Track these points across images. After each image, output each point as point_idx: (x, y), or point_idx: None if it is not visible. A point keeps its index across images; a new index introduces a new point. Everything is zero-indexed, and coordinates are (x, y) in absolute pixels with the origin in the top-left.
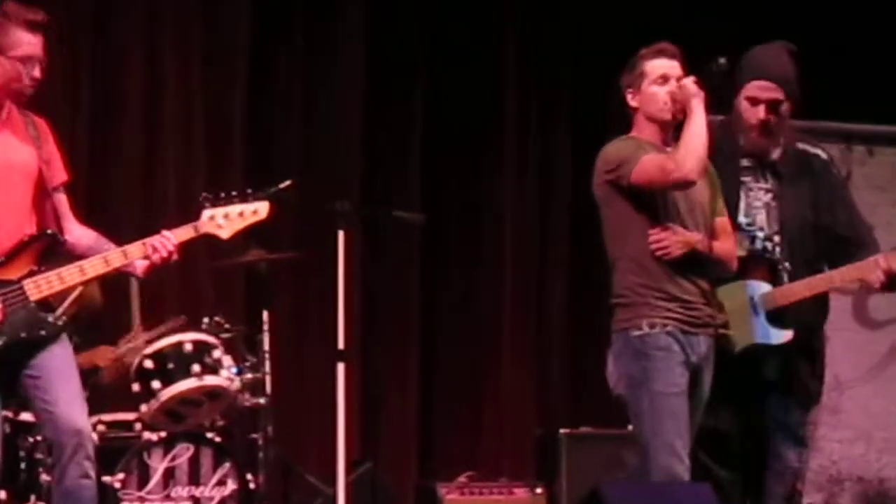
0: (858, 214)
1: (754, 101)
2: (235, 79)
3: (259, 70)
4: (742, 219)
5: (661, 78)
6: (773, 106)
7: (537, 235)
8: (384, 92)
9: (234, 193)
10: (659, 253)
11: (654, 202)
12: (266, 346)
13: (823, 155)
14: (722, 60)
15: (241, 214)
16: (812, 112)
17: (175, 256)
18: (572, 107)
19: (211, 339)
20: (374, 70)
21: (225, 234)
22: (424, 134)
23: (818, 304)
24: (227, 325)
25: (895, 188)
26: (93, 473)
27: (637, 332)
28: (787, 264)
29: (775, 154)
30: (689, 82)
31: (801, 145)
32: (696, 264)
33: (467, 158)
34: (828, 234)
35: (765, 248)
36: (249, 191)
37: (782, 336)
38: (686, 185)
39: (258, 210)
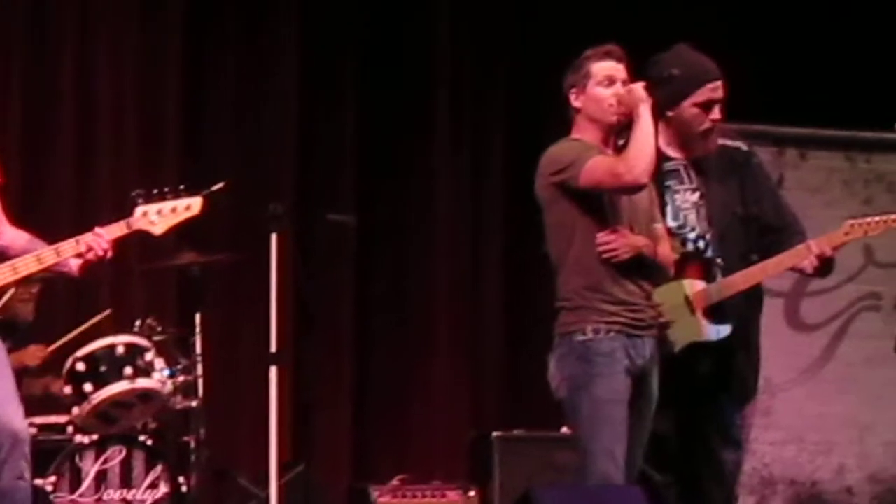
0: (784, 203)
1: (708, 104)
2: (169, 81)
3: (192, 72)
4: (671, 222)
5: (607, 80)
6: (722, 104)
7: (471, 238)
8: (317, 94)
9: (166, 190)
10: (606, 255)
11: (600, 205)
12: (198, 349)
13: (744, 147)
14: None
15: (173, 210)
16: (744, 115)
17: (110, 254)
18: (506, 107)
19: (143, 342)
20: (306, 72)
21: (158, 230)
22: (358, 136)
23: (752, 297)
24: (159, 328)
25: (828, 191)
26: (28, 475)
27: (582, 337)
28: (719, 261)
29: None
30: (638, 87)
31: (721, 140)
32: (639, 267)
33: (401, 161)
34: (757, 225)
35: (697, 248)
36: (182, 187)
37: (721, 332)
38: (636, 188)
39: (191, 206)
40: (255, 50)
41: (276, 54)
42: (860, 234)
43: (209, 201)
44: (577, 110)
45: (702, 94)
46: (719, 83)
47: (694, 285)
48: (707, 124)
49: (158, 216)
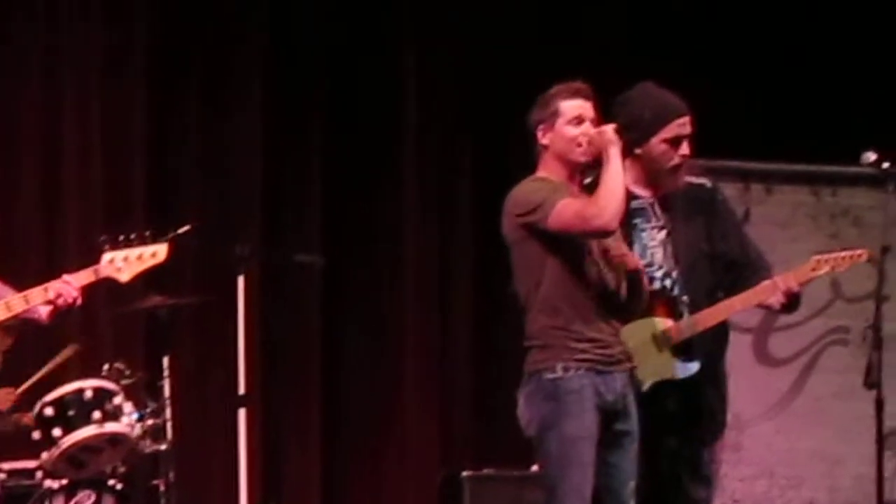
0: (749, 239)
1: (677, 140)
2: (135, 124)
3: (159, 115)
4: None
5: (576, 119)
6: (690, 140)
7: (439, 277)
8: (283, 136)
9: (132, 236)
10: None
11: (569, 245)
12: (167, 392)
13: (709, 184)
14: None
15: (139, 258)
16: (709, 150)
17: (79, 301)
18: (473, 146)
19: (111, 386)
20: (272, 114)
21: (124, 277)
22: (324, 177)
23: (719, 333)
24: (127, 372)
25: (794, 225)
26: None
27: (551, 375)
28: (685, 298)
29: None
30: (609, 129)
31: (686, 178)
32: (607, 303)
33: (368, 201)
34: (723, 262)
35: (664, 286)
36: (148, 233)
37: (689, 369)
38: (606, 234)
39: (157, 253)
40: (221, 91)
41: (241, 95)
42: (827, 269)
43: (175, 245)
44: (545, 147)
45: (670, 131)
46: (687, 119)
47: (661, 323)
48: (676, 160)
49: (125, 263)
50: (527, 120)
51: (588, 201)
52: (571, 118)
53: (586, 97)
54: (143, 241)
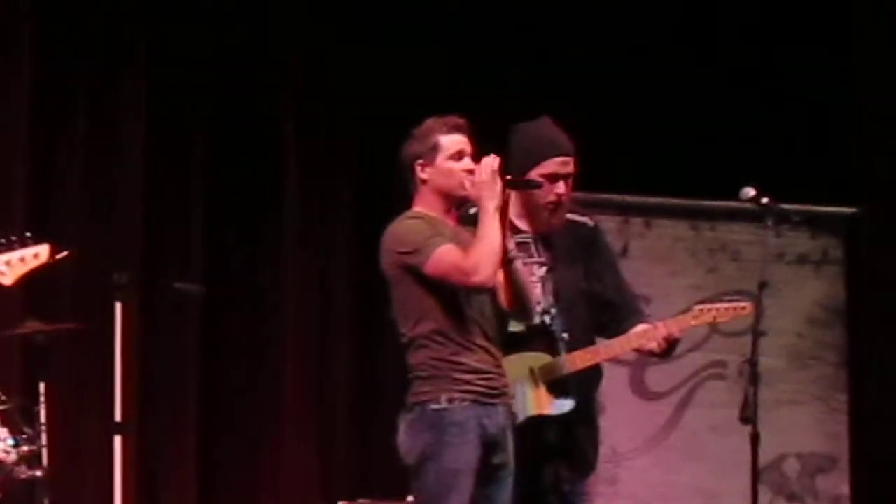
0: (625, 281)
1: (553, 178)
2: (14, 149)
3: (39, 141)
4: None
5: (457, 154)
6: (569, 180)
7: (319, 307)
8: (164, 163)
9: (14, 239)
10: None
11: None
12: (43, 418)
13: (590, 223)
14: None
15: (22, 260)
16: (589, 183)
17: None
18: (354, 178)
19: None
20: (154, 141)
21: (7, 280)
22: (206, 205)
23: (593, 372)
24: (3, 397)
25: (673, 260)
26: None
27: (435, 406)
28: (565, 335)
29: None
30: (483, 176)
31: (568, 215)
32: (490, 335)
33: (249, 230)
34: (599, 302)
35: (542, 322)
36: (28, 234)
37: (564, 406)
38: (481, 290)
39: (39, 254)
40: (103, 118)
41: (123, 123)
42: (709, 319)
43: (55, 270)
44: (423, 182)
45: (548, 167)
46: (569, 159)
47: (539, 358)
48: (552, 198)
49: (7, 266)
50: (402, 154)
51: (465, 256)
52: (452, 153)
53: (464, 132)
54: (23, 244)
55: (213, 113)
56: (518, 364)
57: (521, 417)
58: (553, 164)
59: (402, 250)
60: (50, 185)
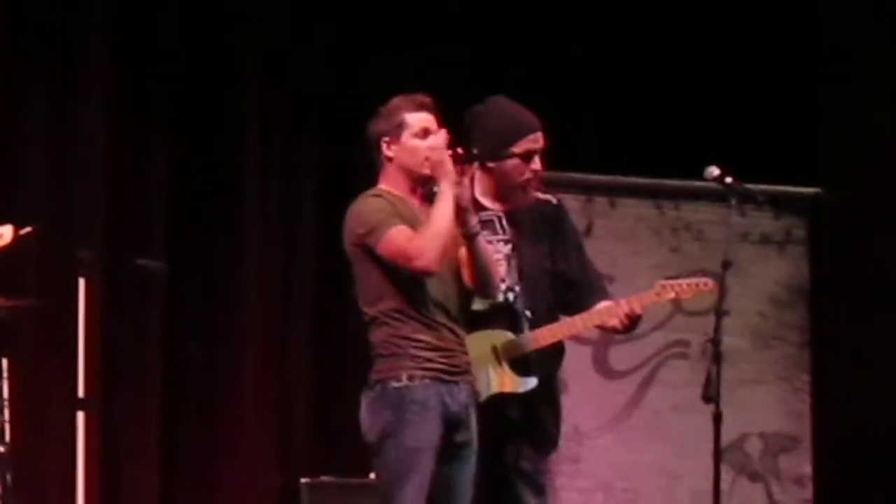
0: (589, 260)
1: (528, 156)
2: None
3: (1, 116)
4: None
5: (422, 131)
6: (541, 155)
7: (281, 285)
8: (127, 139)
9: None
10: None
11: None
12: (5, 394)
13: (554, 200)
14: None
15: None
16: (553, 163)
17: None
18: (317, 153)
19: None
20: (116, 117)
21: None
22: (168, 182)
23: (555, 350)
24: None
25: (636, 239)
26: None
27: (396, 384)
28: (528, 313)
29: None
30: (447, 162)
31: (534, 193)
32: (451, 313)
33: (211, 207)
34: (563, 281)
35: (506, 299)
36: None
37: (528, 384)
38: (426, 275)
39: (2, 234)
40: (64, 93)
41: (85, 99)
42: (671, 295)
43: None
44: (388, 160)
45: (522, 146)
46: (539, 134)
47: (502, 336)
48: (528, 175)
49: None
50: (368, 131)
51: (411, 239)
52: (418, 130)
53: (430, 110)
54: None
55: (176, 91)
56: (481, 342)
57: (483, 396)
58: (527, 143)
59: (360, 231)
60: (11, 163)
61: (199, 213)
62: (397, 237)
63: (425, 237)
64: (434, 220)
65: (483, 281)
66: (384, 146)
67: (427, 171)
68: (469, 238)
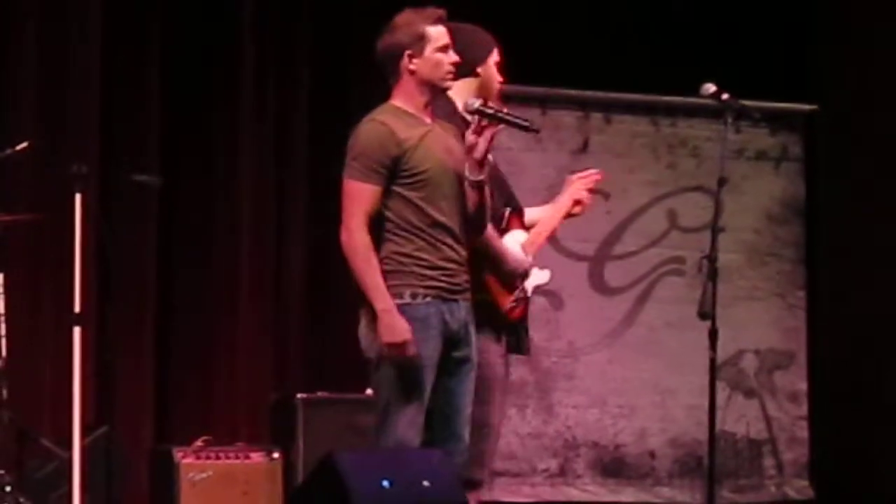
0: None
1: (499, 67)
2: None
3: None
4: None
5: (444, 46)
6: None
7: (276, 201)
8: (121, 54)
9: None
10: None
11: (413, 178)
12: (1, 309)
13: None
14: None
15: None
16: (550, 79)
17: None
18: (311, 69)
19: None
20: (110, 31)
21: None
22: (162, 97)
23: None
24: None
25: (631, 155)
26: None
27: (399, 301)
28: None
29: None
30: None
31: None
32: (453, 231)
33: (206, 123)
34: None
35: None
36: None
37: (543, 276)
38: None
39: None
40: (59, 9)
41: (79, 15)
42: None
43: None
44: (411, 73)
45: (493, 57)
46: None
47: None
48: (498, 84)
49: None
50: (385, 44)
51: (361, 222)
52: (441, 45)
53: (446, 24)
54: None
55: (169, 5)
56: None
57: None
58: (496, 54)
59: (349, 154)
60: (5, 78)
61: (193, 127)
62: (356, 196)
63: (357, 247)
64: (367, 274)
65: (477, 223)
66: (406, 60)
67: (448, 85)
68: (476, 186)
